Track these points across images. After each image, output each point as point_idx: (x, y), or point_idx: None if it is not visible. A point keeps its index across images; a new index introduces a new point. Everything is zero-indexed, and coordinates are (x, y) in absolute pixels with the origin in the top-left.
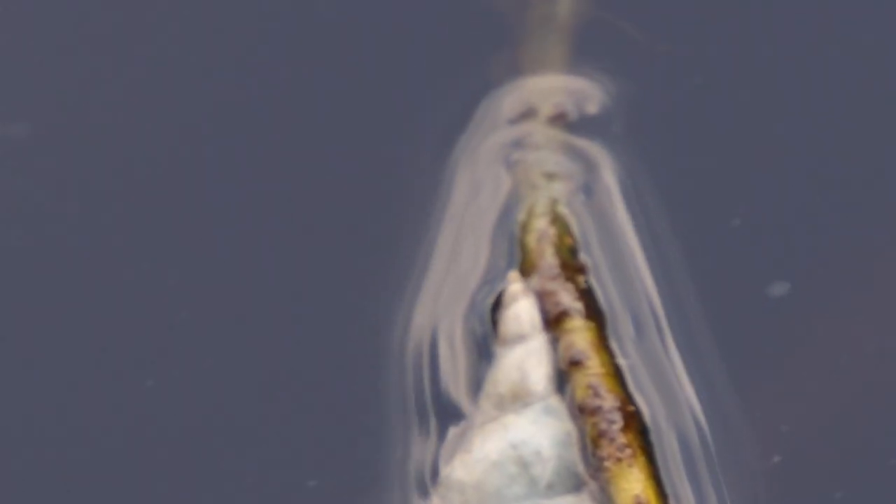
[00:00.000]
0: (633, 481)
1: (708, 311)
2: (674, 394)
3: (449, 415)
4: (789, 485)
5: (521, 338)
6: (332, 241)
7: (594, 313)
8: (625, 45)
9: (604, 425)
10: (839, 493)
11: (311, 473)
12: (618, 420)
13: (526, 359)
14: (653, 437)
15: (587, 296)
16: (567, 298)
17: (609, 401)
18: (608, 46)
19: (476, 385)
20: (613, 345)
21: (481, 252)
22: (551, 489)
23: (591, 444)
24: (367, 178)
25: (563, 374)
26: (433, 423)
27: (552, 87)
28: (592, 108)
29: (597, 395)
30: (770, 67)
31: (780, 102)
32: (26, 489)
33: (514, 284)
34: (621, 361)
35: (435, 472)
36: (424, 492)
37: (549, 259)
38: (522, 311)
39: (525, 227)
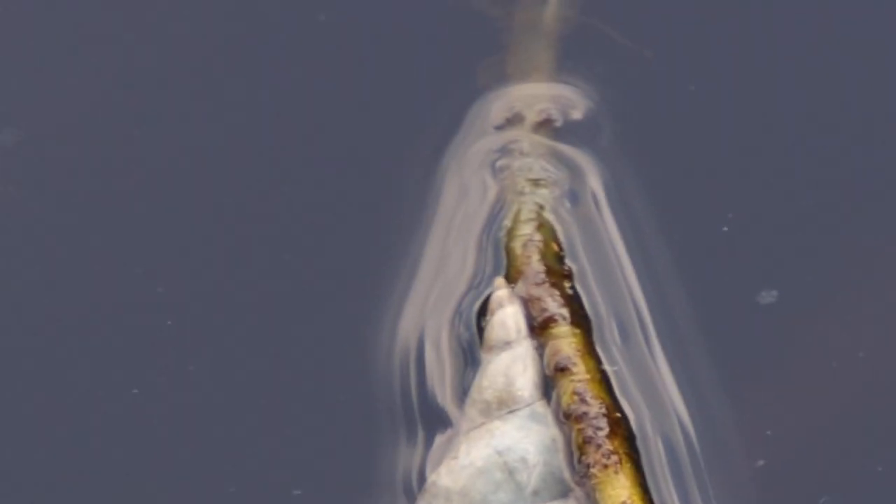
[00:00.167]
0: (619, 488)
1: (696, 318)
2: (660, 400)
3: (435, 421)
4: (775, 489)
5: (506, 344)
6: (318, 246)
7: (580, 319)
8: (611, 51)
9: (590, 431)
10: (825, 498)
11: (297, 481)
12: (604, 426)
13: (512, 365)
14: (639, 443)
15: (573, 302)
16: (553, 304)
17: (595, 407)
18: (595, 53)
19: (462, 391)
20: (600, 351)
21: (468, 258)
22: (537, 495)
23: (578, 450)
24: (354, 183)
25: (549, 381)
26: (419, 429)
27: (538, 93)
28: (579, 115)
29: (583, 401)
30: (759, 74)
31: (769, 109)
32: (10, 496)
33: (500, 290)
34: (608, 368)
35: (421, 479)
36: (411, 499)
37: (535, 265)
38: (508, 317)
39: (511, 233)
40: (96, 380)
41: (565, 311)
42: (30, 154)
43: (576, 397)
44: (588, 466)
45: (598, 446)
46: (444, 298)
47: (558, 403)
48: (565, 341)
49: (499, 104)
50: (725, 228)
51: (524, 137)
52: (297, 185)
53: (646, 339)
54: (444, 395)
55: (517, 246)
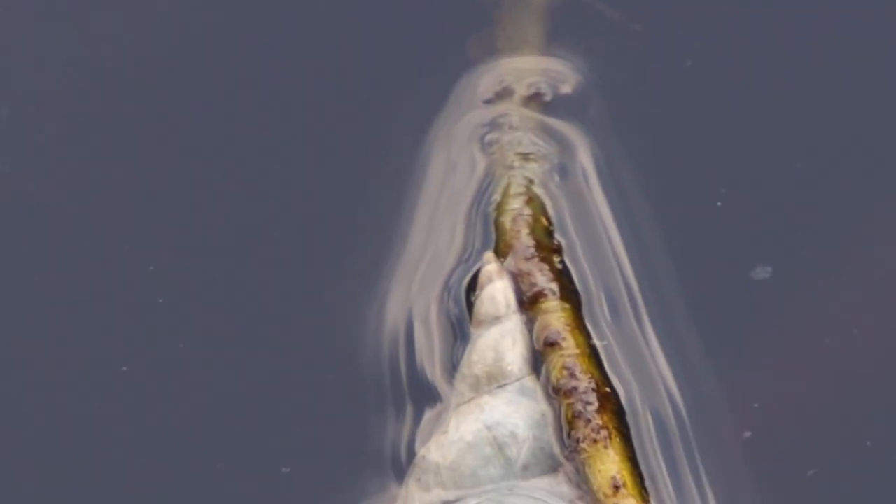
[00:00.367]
0: (608, 462)
1: (686, 293)
2: (650, 375)
3: (424, 396)
4: (763, 461)
5: (496, 319)
6: (307, 222)
7: (570, 294)
8: (601, 25)
9: (579, 406)
10: (813, 471)
11: (285, 459)
12: (593, 401)
13: (501, 340)
14: (629, 418)
15: (563, 276)
16: (542, 279)
17: (585, 382)
18: (584, 27)
19: (451, 366)
20: (589, 326)
21: (456, 232)
22: (527, 470)
23: (567, 425)
24: (343, 157)
25: (539, 355)
26: (408, 404)
27: (528, 67)
28: (568, 89)
29: (572, 376)
30: (753, 47)
31: (764, 83)
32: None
33: (490, 265)
34: (597, 342)
35: (411, 454)
36: (400, 474)
37: (524, 239)
38: (498, 291)
39: (500, 208)
40: (86, 357)
41: (555, 286)
42: (20, 130)
43: (565, 372)
44: (577, 441)
45: (588, 421)
46: (433, 273)
47: (548, 378)
48: (555, 316)
49: (488, 78)
50: (719, 204)
51: (514, 111)
52: (286, 161)
53: (635, 314)
54: (433, 370)
55: (506, 220)
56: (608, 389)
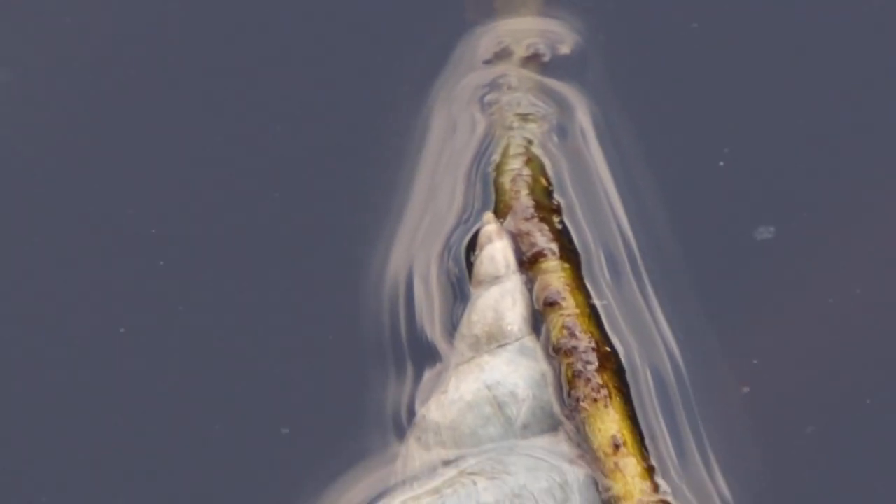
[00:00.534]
0: (608, 421)
1: (688, 253)
2: (650, 334)
3: (424, 356)
4: (763, 418)
5: (496, 279)
6: (308, 183)
7: (569, 254)
8: None
9: (579, 366)
10: (811, 427)
11: (285, 420)
12: (593, 360)
13: (501, 299)
14: (628, 377)
15: (562, 236)
16: (542, 239)
17: (584, 341)
18: None
19: (451, 326)
20: (589, 285)
21: (456, 193)
22: (527, 429)
23: (567, 384)
24: (343, 119)
25: (539, 315)
26: (409, 364)
27: (527, 28)
28: (567, 49)
29: (572, 335)
30: (756, 4)
31: (766, 41)
32: None
33: (489, 225)
34: (597, 302)
35: (411, 414)
36: (401, 433)
37: (523, 200)
38: (497, 251)
39: (500, 168)
40: (85, 318)
41: (554, 246)
42: (20, 93)
43: (565, 331)
44: (577, 400)
45: (588, 380)
46: (433, 233)
47: (547, 338)
48: (554, 276)
49: (487, 39)
50: (722, 164)
51: (512, 72)
52: (286, 124)
53: (635, 274)
54: (433, 329)
55: (506, 181)
56: (608, 349)
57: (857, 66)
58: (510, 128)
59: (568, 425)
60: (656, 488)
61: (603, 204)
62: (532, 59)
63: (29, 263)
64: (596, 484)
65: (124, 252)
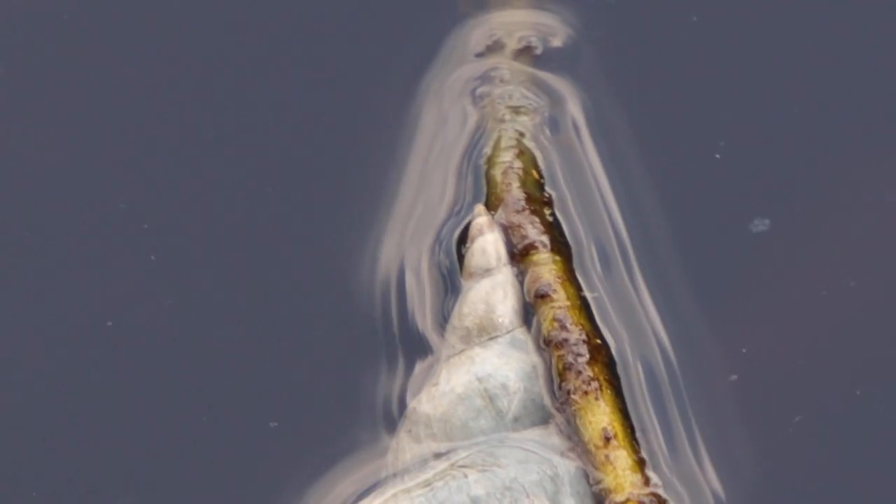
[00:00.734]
0: (599, 414)
1: (681, 245)
2: (641, 326)
3: (415, 348)
4: (754, 410)
5: (487, 271)
6: (299, 175)
7: (560, 246)
8: None
9: (570, 358)
10: (799, 417)
11: (276, 412)
12: (584, 353)
13: (492, 292)
14: (619, 369)
15: (553, 229)
16: (533, 231)
17: (575, 334)
18: None
19: (442, 318)
20: (580, 278)
21: (448, 185)
22: (518, 422)
23: (558, 377)
24: (335, 112)
25: (530, 307)
26: (400, 356)
27: (519, 20)
28: (559, 42)
29: (563, 327)
30: None
31: (763, 33)
32: None
33: (481, 217)
34: (588, 294)
35: (402, 406)
36: (392, 425)
37: (515, 192)
38: (489, 243)
39: (491, 161)
40: (73, 311)
41: (545, 238)
42: (13, 87)
43: (556, 324)
44: (568, 393)
45: (579, 373)
46: (425, 226)
47: (539, 330)
48: (545, 268)
49: (479, 31)
50: (718, 156)
51: (504, 65)
52: (277, 118)
53: (626, 266)
54: (424, 322)
55: (497, 173)
56: (599, 341)
57: (854, 59)
58: (502, 120)
59: (559, 418)
60: (647, 481)
61: (594, 196)
62: (524, 52)
63: (21, 256)
64: (587, 476)
65: (116, 246)
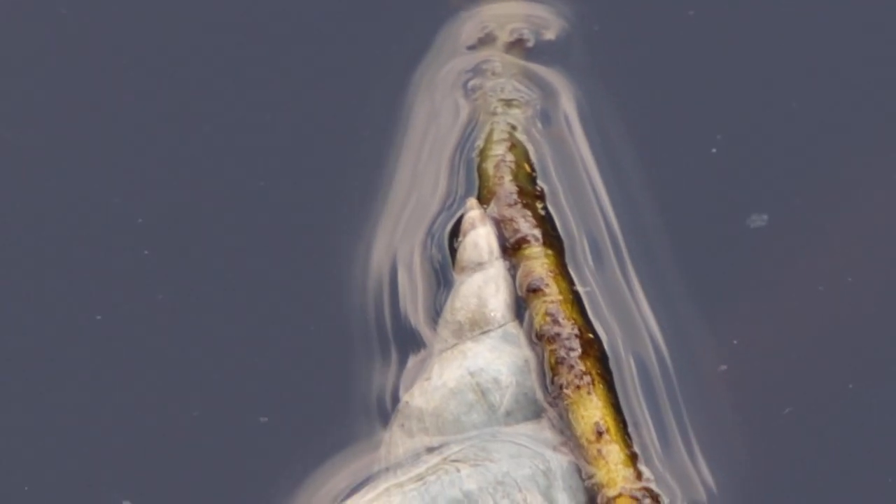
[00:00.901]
0: (591, 408)
1: (673, 240)
2: (633, 320)
3: (408, 342)
4: (742, 398)
5: (479, 265)
6: (292, 169)
7: (553, 240)
8: None
9: (562, 352)
10: (789, 409)
11: (269, 406)
12: (577, 347)
13: (484, 286)
14: (612, 364)
15: (545, 223)
16: (525, 225)
17: (568, 328)
18: None
19: (435, 312)
20: (572, 272)
21: (440, 179)
22: (510, 416)
23: (550, 371)
24: (326, 105)
25: (522, 301)
26: (392, 351)
27: (511, 13)
28: (551, 35)
29: (555, 322)
30: None
31: (760, 27)
32: None
33: (473, 211)
34: (580, 288)
35: (395, 400)
36: (385, 420)
37: (507, 186)
38: (481, 237)
39: (483, 154)
40: (64, 305)
41: (538, 232)
42: (8, 80)
43: (548, 318)
44: (561, 387)
45: (571, 367)
46: (417, 219)
47: (531, 324)
48: (538, 262)
49: (471, 24)
50: (714, 150)
51: (496, 57)
52: (270, 112)
53: (619, 260)
54: (416, 316)
55: (489, 166)
56: (591, 335)
57: (851, 54)
58: (494, 113)
59: (551, 412)
60: (639, 475)
61: (587, 190)
62: (516, 45)
63: (15, 250)
64: (579, 471)
65: (109, 240)
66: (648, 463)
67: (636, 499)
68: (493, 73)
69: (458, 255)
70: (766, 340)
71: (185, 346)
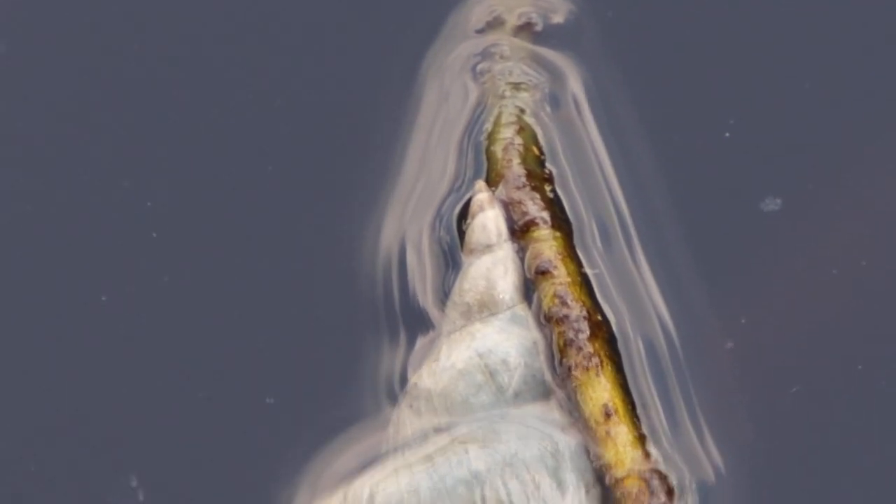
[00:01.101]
0: (600, 390)
1: (681, 222)
2: (641, 302)
3: (416, 324)
4: (753, 382)
5: (487, 247)
6: (301, 153)
7: (561, 223)
8: None
9: (571, 334)
10: (796, 387)
11: (279, 386)
12: (585, 329)
13: (493, 268)
14: (620, 345)
15: (554, 205)
16: (534, 208)
17: (576, 310)
18: None
19: (443, 294)
20: (580, 254)
21: (448, 161)
22: (518, 397)
23: (559, 352)
24: (336, 90)
25: (530, 284)
26: (401, 332)
27: None
28: (560, 19)
29: (564, 304)
30: None
31: (773, 10)
32: None
33: (481, 194)
34: (588, 271)
35: (403, 381)
36: (393, 401)
37: (515, 168)
38: (489, 220)
39: (492, 137)
40: (66, 287)
41: (546, 215)
42: (17, 66)
43: (557, 300)
44: (569, 369)
45: (579, 349)
46: (426, 202)
47: (539, 306)
48: (546, 244)
49: (479, 8)
50: (727, 135)
51: (505, 41)
52: (279, 97)
53: (627, 242)
54: (425, 298)
55: (498, 149)
56: (599, 317)
57: (865, 37)
58: (502, 97)
59: (559, 393)
60: (648, 456)
61: (595, 173)
62: (524, 28)
63: (24, 232)
64: (587, 452)
65: (118, 223)
66: (657, 443)
67: (644, 479)
68: (502, 57)
69: (467, 238)
70: (778, 322)
71: (193, 328)
